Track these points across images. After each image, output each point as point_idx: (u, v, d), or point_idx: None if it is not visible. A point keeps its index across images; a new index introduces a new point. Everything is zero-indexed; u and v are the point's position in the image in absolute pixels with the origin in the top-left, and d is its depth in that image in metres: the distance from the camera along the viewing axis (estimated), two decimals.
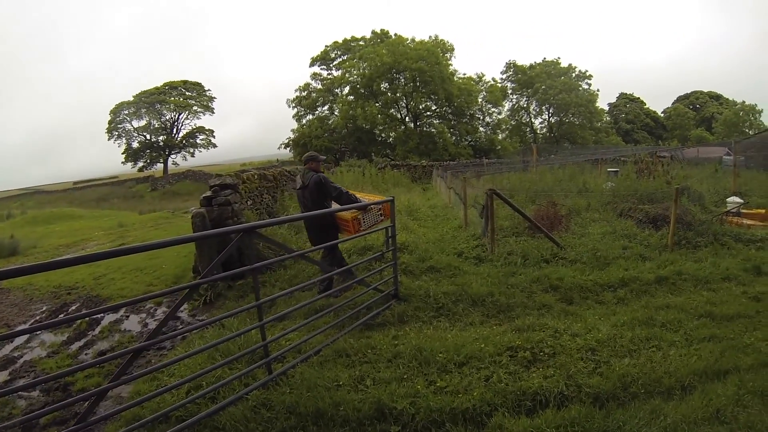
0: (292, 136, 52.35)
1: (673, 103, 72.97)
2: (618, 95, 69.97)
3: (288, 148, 54.08)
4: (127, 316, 7.67)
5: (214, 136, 66.38)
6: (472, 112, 49.40)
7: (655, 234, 9.90)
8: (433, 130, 47.61)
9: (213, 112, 66.12)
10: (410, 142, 44.44)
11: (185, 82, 65.20)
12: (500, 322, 6.17)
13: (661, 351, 5.09)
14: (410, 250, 9.16)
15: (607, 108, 65.75)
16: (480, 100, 50.81)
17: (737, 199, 13.15)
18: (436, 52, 46.98)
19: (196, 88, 65.56)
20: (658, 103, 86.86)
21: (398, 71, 46.03)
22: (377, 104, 46.69)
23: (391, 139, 47.74)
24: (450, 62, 50.32)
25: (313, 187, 6.96)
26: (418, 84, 45.98)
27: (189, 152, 65.52)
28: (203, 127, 65.98)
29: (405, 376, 4.69)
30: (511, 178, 19.84)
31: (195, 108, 64.63)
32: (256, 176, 13.44)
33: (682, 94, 74.45)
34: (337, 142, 48.91)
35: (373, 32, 53.32)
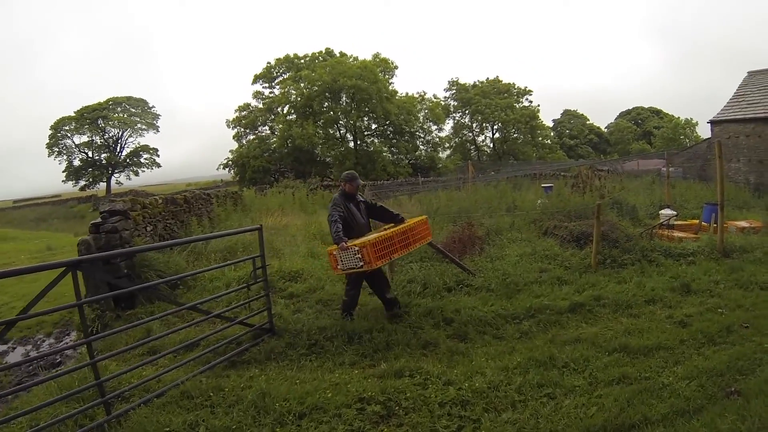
0: (231, 157, 51.15)
1: (616, 119, 75.07)
2: (562, 112, 71.50)
3: (227, 169, 52.93)
4: (14, 348, 7.64)
5: (158, 156, 64.26)
6: (413, 130, 49.18)
7: (579, 253, 9.21)
8: (371, 149, 47.29)
9: (158, 130, 64.33)
10: (348, 162, 43.70)
11: (129, 98, 63.08)
12: (374, 363, 5.43)
13: (553, 401, 4.27)
14: (304, 278, 8.66)
15: (551, 124, 66.98)
16: (421, 118, 50.75)
17: (669, 211, 12.76)
18: (375, 70, 46.66)
19: (141, 104, 63.55)
20: (603, 119, 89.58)
21: (337, 90, 45.63)
22: (316, 123, 46.29)
23: (329, 159, 47.02)
24: (391, 80, 50.51)
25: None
26: (355, 102, 45.60)
27: (133, 171, 63.32)
28: (147, 146, 63.78)
29: (236, 427, 4.21)
30: (443, 197, 19.10)
31: (139, 126, 62.59)
32: (160, 200, 12.62)
33: (624, 110, 76.93)
34: (276, 162, 48.07)
35: (313, 54, 52.90)
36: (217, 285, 8.79)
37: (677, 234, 11.13)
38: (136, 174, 63.74)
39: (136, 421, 4.31)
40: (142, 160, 63.68)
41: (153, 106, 64.56)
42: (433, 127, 52.19)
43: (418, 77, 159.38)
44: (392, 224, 6.90)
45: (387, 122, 47.45)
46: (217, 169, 54.31)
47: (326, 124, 47.35)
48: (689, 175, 28.81)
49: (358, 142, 48.54)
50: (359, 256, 5.84)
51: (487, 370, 4.86)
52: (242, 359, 5.74)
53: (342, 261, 5.99)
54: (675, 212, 12.95)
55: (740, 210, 16.68)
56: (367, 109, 45.99)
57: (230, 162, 51.30)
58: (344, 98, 46.78)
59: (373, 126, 49.07)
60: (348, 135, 48.96)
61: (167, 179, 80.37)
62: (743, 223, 12.48)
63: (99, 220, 9.10)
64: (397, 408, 4.21)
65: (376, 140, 49.11)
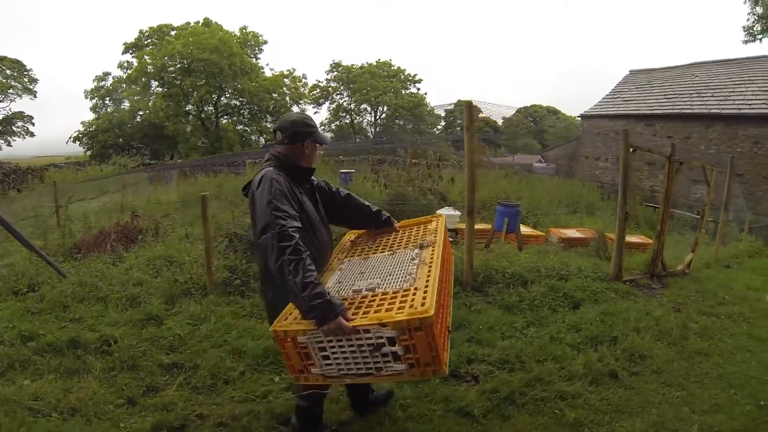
0: (82, 129, 47.40)
1: (513, 114, 76.20)
2: (455, 102, 70.90)
3: (78, 143, 48.42)
4: None
5: (33, 124, 57.18)
6: (278, 109, 47.25)
7: None
8: (217, 126, 45.98)
9: (35, 96, 56.89)
10: (194, 139, 42.64)
11: (3, 58, 55.13)
12: None
13: None
14: None
15: (443, 114, 66.53)
16: (287, 97, 49.45)
17: (451, 211, 10.23)
18: (233, 43, 44.81)
19: (17, 66, 55.92)
20: (502, 113, 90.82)
21: (190, 63, 43.38)
22: (168, 97, 44.28)
23: (177, 135, 44.81)
24: (259, 56, 49.76)
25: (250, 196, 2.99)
26: (207, 77, 43.53)
27: (5, 140, 56.44)
28: (22, 113, 56.64)
29: None
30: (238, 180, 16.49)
31: (12, 90, 55.31)
32: None
33: (522, 106, 78.42)
34: (126, 137, 45.30)
35: (187, 24, 49.25)
36: None
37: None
38: (8, 144, 57.38)
39: None
40: (14, 128, 57.12)
41: (30, 69, 57.37)
42: (295, 108, 50.08)
43: (312, 59, 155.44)
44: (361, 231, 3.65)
45: (240, 98, 46.12)
46: (66, 143, 49.73)
47: (178, 99, 44.92)
48: (560, 171, 28.42)
49: (217, 119, 46.97)
50: (397, 349, 2.30)
51: None
52: None
53: (330, 356, 2.45)
54: (457, 212, 10.20)
55: (582, 215, 15.89)
56: (214, 83, 44.15)
57: (81, 135, 47.25)
58: (199, 72, 44.46)
59: (234, 103, 47.64)
60: (202, 111, 46.98)
61: (61, 151, 73.18)
62: (572, 232, 10.80)
63: None
64: None
65: (233, 118, 48.01)
